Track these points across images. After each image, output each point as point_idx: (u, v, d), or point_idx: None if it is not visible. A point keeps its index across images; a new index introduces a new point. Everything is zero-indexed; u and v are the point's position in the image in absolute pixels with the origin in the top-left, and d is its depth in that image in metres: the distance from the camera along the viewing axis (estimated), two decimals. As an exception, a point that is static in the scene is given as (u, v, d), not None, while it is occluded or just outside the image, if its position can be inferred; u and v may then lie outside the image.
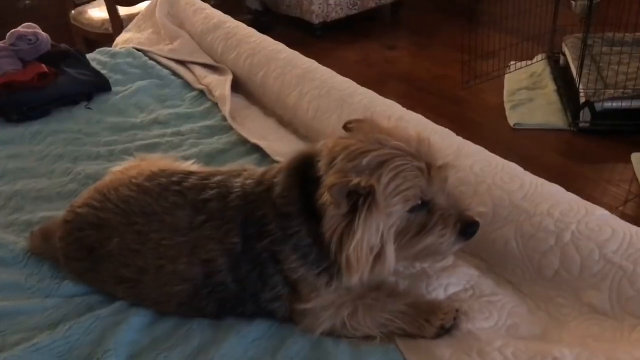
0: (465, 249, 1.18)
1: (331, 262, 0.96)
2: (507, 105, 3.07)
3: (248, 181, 1.05)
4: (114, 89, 1.97)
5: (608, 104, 2.74)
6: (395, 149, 0.92)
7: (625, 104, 2.71)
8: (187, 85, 1.98)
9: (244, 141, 1.62)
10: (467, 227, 0.96)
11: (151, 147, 1.63)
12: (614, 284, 0.97)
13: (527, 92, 3.15)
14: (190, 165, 1.28)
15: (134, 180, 1.13)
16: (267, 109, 1.81)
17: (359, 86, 1.60)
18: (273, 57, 1.83)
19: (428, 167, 0.93)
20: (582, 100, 2.78)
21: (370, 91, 1.57)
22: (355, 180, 0.88)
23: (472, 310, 1.01)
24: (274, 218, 0.99)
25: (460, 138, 1.33)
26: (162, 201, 1.08)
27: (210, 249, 1.01)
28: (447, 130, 1.36)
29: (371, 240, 0.91)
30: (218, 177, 1.08)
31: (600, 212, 1.06)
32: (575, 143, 2.82)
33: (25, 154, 1.67)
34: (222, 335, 1.03)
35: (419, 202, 0.93)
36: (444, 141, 1.30)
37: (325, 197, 0.90)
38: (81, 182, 1.51)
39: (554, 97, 3.05)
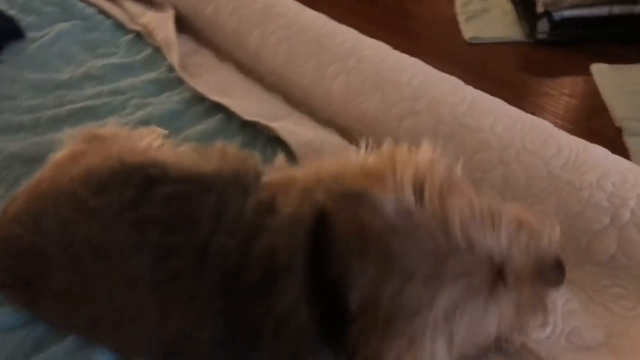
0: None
1: None
2: (460, 18, 2.89)
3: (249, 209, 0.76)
4: (28, 34, 1.61)
5: (567, 13, 2.61)
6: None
7: (584, 12, 2.59)
8: (120, 26, 1.64)
9: (201, 98, 1.34)
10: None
11: (86, 112, 1.32)
12: (689, 273, 0.82)
13: (481, 3, 2.98)
14: (159, 151, 0.98)
15: (77, 191, 0.84)
16: (222, 53, 1.52)
17: (337, 24, 1.33)
18: (224, -13, 1.51)
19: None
20: (540, 10, 2.63)
21: (352, 30, 1.31)
22: None
23: (523, 319, 0.85)
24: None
25: (472, 89, 1.12)
26: (113, 236, 0.79)
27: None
28: (455, 79, 1.15)
29: None
30: (200, 190, 0.79)
31: (662, 182, 0.90)
32: (534, 55, 2.70)
33: None
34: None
35: None
36: (454, 96, 1.10)
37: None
38: (3, 165, 1.21)
39: (509, 7, 2.90)
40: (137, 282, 0.77)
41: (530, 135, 1.00)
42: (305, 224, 0.67)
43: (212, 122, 1.28)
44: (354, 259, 0.64)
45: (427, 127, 1.09)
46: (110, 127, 1.09)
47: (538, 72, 2.67)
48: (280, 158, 0.91)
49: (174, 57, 1.44)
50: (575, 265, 0.92)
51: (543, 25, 2.64)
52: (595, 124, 2.28)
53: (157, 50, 1.53)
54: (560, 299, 0.87)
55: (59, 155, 0.99)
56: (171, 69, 1.45)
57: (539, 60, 2.67)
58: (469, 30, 2.76)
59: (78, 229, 0.81)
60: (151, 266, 0.76)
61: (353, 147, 0.92)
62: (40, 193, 0.88)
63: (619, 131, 1.86)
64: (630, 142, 1.78)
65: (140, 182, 0.81)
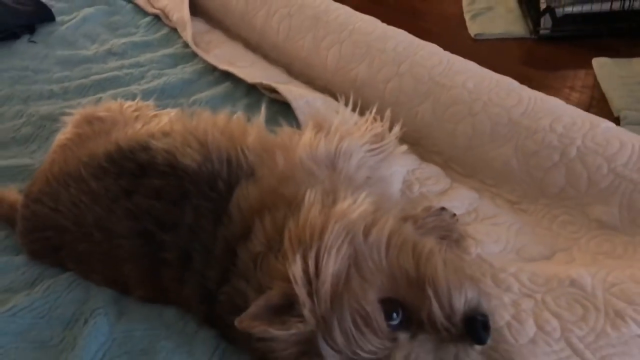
0: (462, 171, 1.15)
1: None
2: (466, 15, 2.98)
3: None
4: (57, 18, 1.80)
5: (569, 9, 2.69)
6: None
7: (586, 8, 2.66)
8: (140, 10, 1.83)
9: (211, 69, 1.49)
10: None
11: (109, 82, 1.49)
12: (624, 198, 0.94)
13: (486, 0, 3.07)
14: (150, 129, 1.03)
15: (82, 173, 0.95)
16: (231, 32, 1.68)
17: (332, 1, 1.48)
18: (232, -26, 1.67)
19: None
20: (543, 6, 2.72)
21: (345, 7, 1.45)
22: None
23: (479, 234, 0.97)
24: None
25: (448, 53, 1.26)
26: (114, 218, 0.90)
27: None
28: (433, 45, 1.28)
29: None
30: (182, 190, 0.87)
31: (606, 124, 1.02)
32: (537, 51, 2.77)
33: (-35, 97, 1.51)
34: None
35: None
36: (431, 59, 1.23)
37: None
38: (37, 125, 1.38)
39: (513, 4, 2.99)
40: (138, 260, 0.90)
41: (496, 90, 1.13)
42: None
43: (221, 88, 1.43)
44: None
45: (408, 87, 1.23)
46: (106, 104, 1.18)
47: (541, 66, 2.75)
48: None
49: (188, 35, 1.60)
50: (531, 200, 1.05)
51: (546, 21, 2.74)
52: (594, 114, 2.37)
53: (173, 30, 1.69)
54: (514, 225, 1.00)
55: (62, 135, 1.13)
56: (185, 45, 1.61)
57: (542, 55, 2.75)
58: (475, 27, 2.85)
59: (86, 208, 0.94)
60: (147, 253, 0.88)
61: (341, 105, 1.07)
62: (55, 175, 1.00)
63: (617, 121, 1.94)
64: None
65: (133, 169, 0.91)
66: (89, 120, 1.11)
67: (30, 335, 0.91)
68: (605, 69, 2.35)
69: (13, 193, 1.14)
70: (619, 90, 2.15)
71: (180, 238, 0.85)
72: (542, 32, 2.74)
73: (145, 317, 0.91)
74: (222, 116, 0.99)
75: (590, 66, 2.50)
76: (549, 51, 2.75)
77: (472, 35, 2.82)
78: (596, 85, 2.41)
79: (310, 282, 0.68)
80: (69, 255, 0.99)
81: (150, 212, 0.88)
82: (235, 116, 1.00)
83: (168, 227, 0.86)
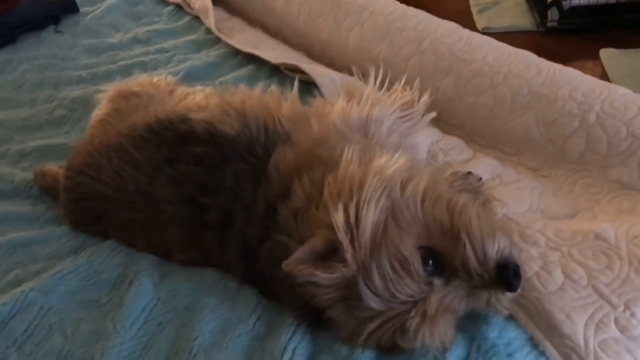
0: (483, 142, 1.19)
1: None
2: (474, 10, 3.02)
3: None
4: (81, 9, 1.85)
5: (575, 2, 2.72)
6: None
7: (592, 0, 2.70)
8: (161, 0, 1.87)
9: (235, 52, 1.54)
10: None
11: (136, 67, 1.54)
12: (643, 159, 0.98)
13: (493, -6, 3.12)
14: (186, 103, 1.09)
15: (123, 143, 1.00)
16: (252, 20, 1.73)
17: (351, -15, 1.53)
18: (252, -39, 1.72)
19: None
20: (550, -1, 2.77)
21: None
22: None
23: (504, 197, 1.01)
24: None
25: (467, 30, 1.30)
26: (157, 185, 0.95)
27: None
28: (453, 24, 1.33)
29: None
30: (222, 157, 0.91)
31: (623, 91, 1.06)
32: (545, 43, 2.81)
33: (-2, 84, 1.56)
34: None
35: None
36: (451, 36, 1.28)
37: None
38: (68, 107, 1.44)
39: (520, -2, 3.04)
40: (181, 224, 0.94)
41: (516, 62, 1.18)
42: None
43: (245, 71, 1.48)
44: None
45: (430, 64, 1.27)
46: (137, 79, 1.23)
47: (549, 58, 2.69)
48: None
49: (211, 21, 1.65)
50: (551, 165, 1.09)
51: (553, 14, 2.78)
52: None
53: (195, 18, 1.74)
54: (537, 188, 1.04)
55: (98, 111, 1.17)
56: (208, 31, 1.66)
57: (550, 48, 2.78)
58: (482, 21, 2.89)
59: (129, 177, 0.98)
60: (189, 216, 0.92)
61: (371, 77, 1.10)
62: (96, 147, 1.05)
63: None
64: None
65: (173, 139, 0.96)
66: (125, 95, 1.16)
67: (79, 296, 0.96)
68: (613, 59, 2.39)
69: (54, 168, 1.19)
70: (628, 80, 2.20)
71: (222, 200, 0.89)
72: (549, 24, 2.78)
73: (188, 279, 0.95)
74: (257, 90, 1.03)
75: (598, 57, 2.54)
76: (557, 43, 2.78)
77: (480, 29, 2.85)
78: (604, 76, 2.45)
79: (352, 230, 0.72)
80: (111, 223, 1.03)
81: (191, 177, 0.92)
82: (269, 89, 1.04)
83: (209, 191, 0.90)
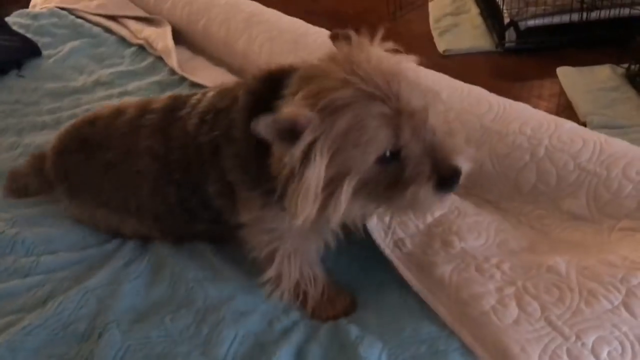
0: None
1: (273, 189, 0.87)
2: (434, 33, 3.10)
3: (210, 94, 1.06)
4: (44, 53, 1.85)
5: (531, 22, 2.81)
6: (360, 90, 0.79)
7: (547, 20, 2.79)
8: (124, 41, 1.89)
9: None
10: (444, 180, 0.82)
11: (100, 111, 1.55)
12: (590, 190, 1.03)
13: (452, 18, 3.20)
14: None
15: (105, 113, 1.20)
16: (214, 58, 1.76)
17: (310, 25, 1.58)
18: (213, 3, 1.76)
19: (398, 112, 0.79)
20: (507, 20, 2.84)
21: (322, 29, 1.55)
22: (286, 115, 0.78)
23: (462, 231, 1.05)
24: (224, 120, 0.97)
25: (422, 68, 1.34)
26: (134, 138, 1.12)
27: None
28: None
29: (318, 189, 0.81)
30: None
31: (569, 124, 1.12)
32: (504, 63, 2.89)
33: (-40, 132, 1.55)
34: (228, 292, 1.02)
35: (386, 153, 0.81)
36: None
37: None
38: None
39: (479, 21, 3.11)
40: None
41: (468, 99, 1.23)
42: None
43: (209, 111, 1.49)
44: None
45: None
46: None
47: (508, 77, 2.86)
48: None
49: (173, 61, 1.67)
50: (507, 198, 1.13)
51: (510, 35, 2.86)
52: (561, 120, 2.48)
53: (158, 59, 1.76)
54: (493, 222, 1.08)
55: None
56: (171, 72, 1.68)
57: (508, 67, 2.87)
58: (443, 44, 2.97)
59: (114, 128, 1.16)
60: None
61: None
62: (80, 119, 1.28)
63: (584, 126, 2.04)
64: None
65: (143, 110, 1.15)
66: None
67: (47, 351, 0.96)
68: (570, 77, 2.48)
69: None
70: (584, 97, 2.27)
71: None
72: (507, 45, 2.87)
73: (158, 324, 0.98)
74: None
75: (555, 75, 2.62)
76: (515, 63, 2.87)
77: (441, 51, 2.93)
78: (562, 93, 2.53)
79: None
80: (94, 144, 1.17)
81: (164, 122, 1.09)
82: None
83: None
